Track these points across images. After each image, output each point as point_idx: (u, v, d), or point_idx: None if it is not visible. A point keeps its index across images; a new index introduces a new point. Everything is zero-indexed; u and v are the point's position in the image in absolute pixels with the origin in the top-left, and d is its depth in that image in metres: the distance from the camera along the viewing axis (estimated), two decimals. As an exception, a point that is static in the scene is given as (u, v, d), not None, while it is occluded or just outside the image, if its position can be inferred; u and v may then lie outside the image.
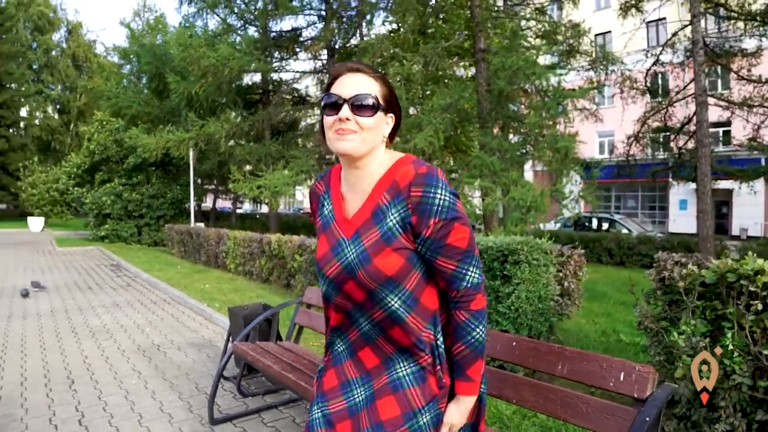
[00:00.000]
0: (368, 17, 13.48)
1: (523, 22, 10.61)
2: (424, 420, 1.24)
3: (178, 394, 3.60)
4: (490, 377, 1.98)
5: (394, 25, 12.28)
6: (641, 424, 1.41)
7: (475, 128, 8.85)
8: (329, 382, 1.36)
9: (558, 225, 16.78)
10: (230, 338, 3.96)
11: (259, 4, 14.42)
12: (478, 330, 1.26)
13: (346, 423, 1.28)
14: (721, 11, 11.96)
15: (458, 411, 1.29)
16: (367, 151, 1.25)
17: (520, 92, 9.95)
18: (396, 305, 1.23)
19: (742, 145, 13.36)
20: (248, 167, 15.47)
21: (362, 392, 1.30)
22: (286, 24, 25.21)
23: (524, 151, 9.05)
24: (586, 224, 16.17)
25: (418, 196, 1.19)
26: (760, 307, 2.26)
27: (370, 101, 1.23)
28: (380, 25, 13.13)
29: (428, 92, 11.20)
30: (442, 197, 1.19)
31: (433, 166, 1.24)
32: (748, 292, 2.32)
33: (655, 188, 23.61)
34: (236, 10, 15.57)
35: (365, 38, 13.18)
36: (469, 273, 1.25)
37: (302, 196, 38.46)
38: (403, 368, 1.28)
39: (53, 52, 39.49)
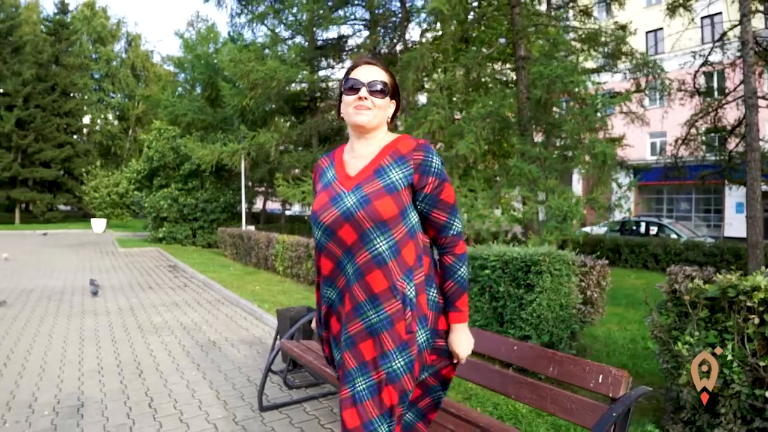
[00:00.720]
0: (408, 23, 13.60)
1: (565, 25, 10.53)
2: (398, 364, 1.44)
3: (231, 385, 4.04)
4: (495, 375, 2.25)
5: (438, 33, 12.42)
6: (608, 418, 1.66)
7: (516, 135, 8.88)
8: (335, 329, 1.62)
9: (605, 229, 16.47)
10: (278, 336, 4.36)
11: (305, 16, 14.84)
12: (462, 269, 1.59)
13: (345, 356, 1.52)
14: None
15: (459, 337, 1.58)
16: (377, 125, 1.60)
17: (565, 96, 9.87)
18: (382, 248, 1.47)
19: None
20: (296, 171, 16.00)
21: (344, 338, 1.54)
22: (332, 32, 25.60)
23: (565, 157, 9.01)
24: (634, 228, 15.82)
25: (420, 158, 1.54)
26: (756, 321, 2.44)
27: (382, 87, 1.59)
28: (421, 34, 13.28)
29: (471, 99, 11.31)
30: (437, 162, 1.55)
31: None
32: (746, 306, 2.50)
33: (710, 190, 22.65)
34: (284, 21, 16.18)
35: (409, 46, 13.40)
36: (455, 223, 1.60)
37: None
38: (374, 315, 1.47)
39: (114, 63, 41.87)
